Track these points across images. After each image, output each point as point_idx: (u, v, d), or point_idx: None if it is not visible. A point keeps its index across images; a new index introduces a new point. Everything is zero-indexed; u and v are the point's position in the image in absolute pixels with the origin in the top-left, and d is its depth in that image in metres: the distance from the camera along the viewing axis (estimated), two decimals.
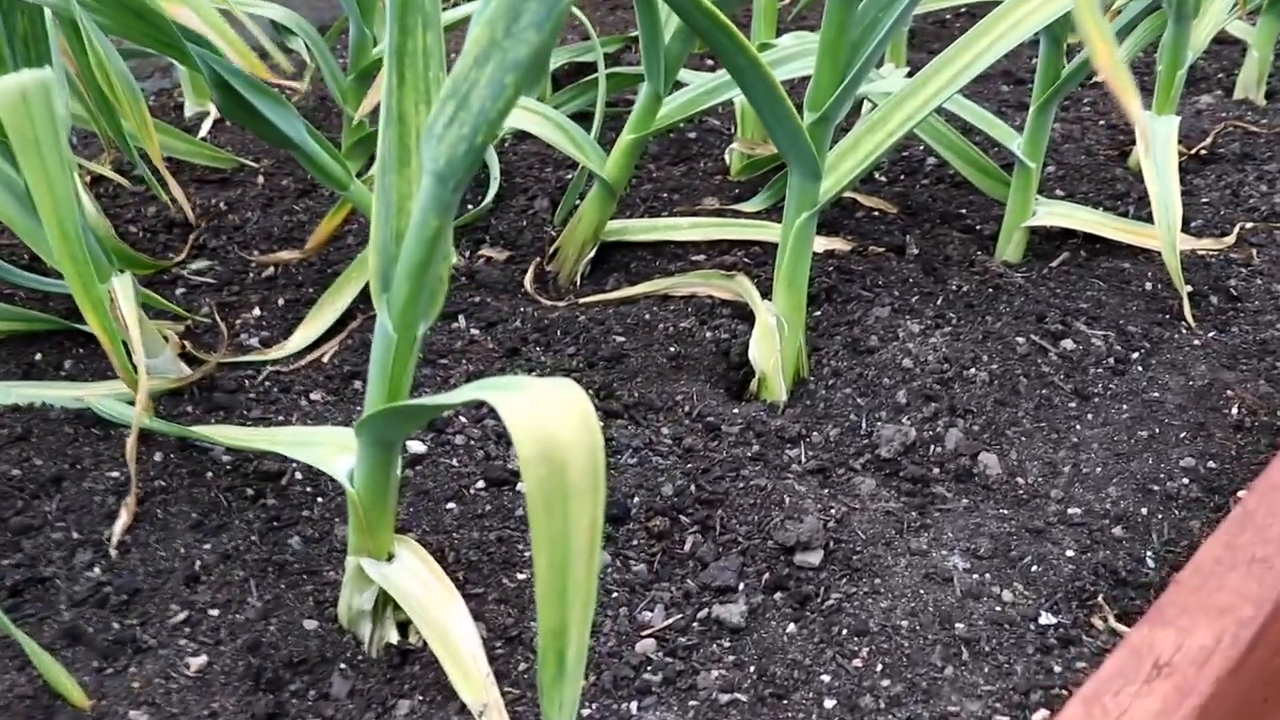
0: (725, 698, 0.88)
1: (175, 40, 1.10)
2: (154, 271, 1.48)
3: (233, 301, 1.41)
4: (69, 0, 1.07)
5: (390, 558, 0.89)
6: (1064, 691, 0.88)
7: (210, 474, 1.11)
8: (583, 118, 1.61)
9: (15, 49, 1.11)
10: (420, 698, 0.88)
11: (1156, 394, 1.23)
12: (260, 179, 1.72)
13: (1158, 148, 1.38)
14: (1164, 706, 0.66)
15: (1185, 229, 1.52)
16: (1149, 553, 1.03)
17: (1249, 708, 0.78)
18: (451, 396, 0.67)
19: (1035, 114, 1.39)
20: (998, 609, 0.96)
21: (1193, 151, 1.73)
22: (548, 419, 0.59)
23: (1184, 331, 1.34)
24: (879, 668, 0.91)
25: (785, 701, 0.88)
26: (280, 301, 1.41)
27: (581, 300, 1.38)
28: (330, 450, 0.91)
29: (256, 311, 1.39)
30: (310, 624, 0.95)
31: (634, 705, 0.88)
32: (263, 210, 1.62)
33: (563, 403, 0.60)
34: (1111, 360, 1.28)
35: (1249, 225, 1.55)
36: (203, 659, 0.92)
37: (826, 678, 0.90)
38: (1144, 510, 1.08)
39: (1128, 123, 1.84)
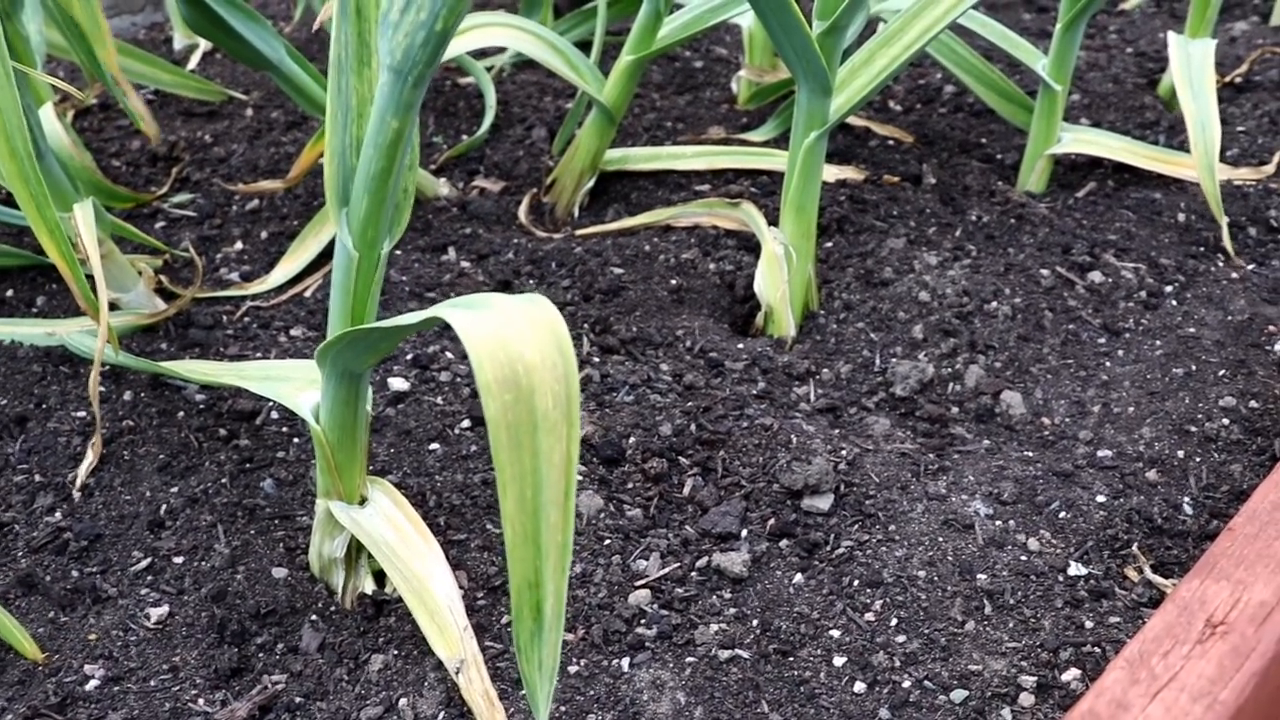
0: (725, 654, 0.81)
1: None
2: (134, 205, 1.41)
3: (214, 235, 1.35)
4: None
5: (363, 501, 0.82)
6: (1097, 649, 0.81)
7: (182, 414, 1.05)
8: (585, 48, 1.53)
9: None
10: (395, 652, 0.82)
11: (1192, 329, 1.15)
12: (249, 111, 1.65)
13: (1194, 69, 1.30)
14: (1220, 670, 0.59)
15: (1221, 158, 1.43)
16: (1186, 499, 0.95)
17: None
18: (412, 318, 0.59)
19: (1062, 32, 1.30)
20: (1023, 559, 0.89)
21: (1227, 79, 1.64)
22: (513, 339, 0.51)
23: (1221, 264, 1.26)
24: (893, 622, 0.84)
25: (791, 658, 0.81)
26: (263, 235, 1.34)
27: (579, 232, 1.30)
28: (296, 385, 0.84)
29: (238, 245, 1.32)
30: (280, 572, 0.88)
31: (626, 661, 0.81)
32: (249, 142, 1.55)
33: (531, 321, 0.52)
34: (1143, 294, 1.20)
35: None
36: (164, 609, 0.86)
37: (836, 632, 0.83)
38: (1180, 453, 1.00)
39: (1156, 50, 1.75)
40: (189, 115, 1.65)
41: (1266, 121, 1.53)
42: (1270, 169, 1.40)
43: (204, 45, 1.89)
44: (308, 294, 1.22)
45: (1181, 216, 1.33)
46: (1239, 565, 0.67)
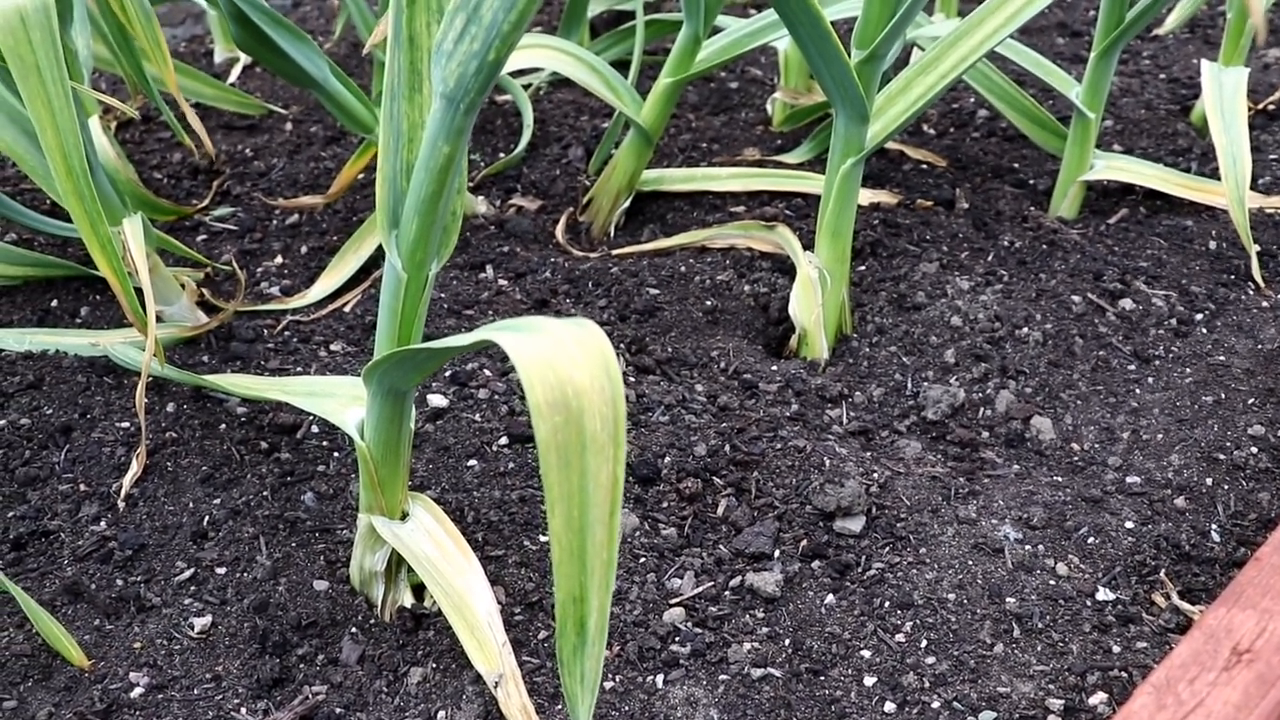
0: (758, 672, 0.82)
1: None
2: (176, 218, 1.43)
3: (254, 249, 1.37)
4: None
5: (404, 516, 0.84)
6: (1124, 673, 0.82)
7: (224, 426, 1.07)
8: (620, 67, 1.55)
9: None
10: (433, 665, 0.83)
11: (1222, 357, 1.16)
12: (289, 125, 1.67)
13: (1226, 98, 1.31)
14: (1245, 698, 0.60)
15: (1253, 186, 1.44)
16: (1214, 526, 0.96)
17: None
18: (462, 339, 0.61)
19: (1096, 60, 1.31)
20: (1052, 583, 0.90)
21: (1260, 106, 1.65)
22: (563, 362, 0.53)
23: (1251, 293, 1.26)
24: (923, 643, 0.85)
25: (822, 677, 0.82)
26: (303, 249, 1.36)
27: (615, 251, 1.32)
28: (341, 401, 0.85)
29: (278, 259, 1.34)
30: (321, 584, 0.90)
31: (660, 678, 0.82)
32: (289, 157, 1.57)
33: (580, 345, 0.54)
34: (1173, 321, 1.21)
35: None
36: (207, 619, 0.88)
37: (867, 653, 0.84)
38: (1209, 480, 1.01)
39: (1189, 77, 1.76)
40: (229, 129, 1.68)
41: None
42: None
43: (244, 59, 1.92)
44: (347, 309, 1.25)
45: (1213, 244, 1.34)
46: (1265, 594, 0.68)
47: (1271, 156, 1.53)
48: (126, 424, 1.07)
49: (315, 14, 2.12)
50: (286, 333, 1.21)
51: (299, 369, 1.15)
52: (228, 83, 1.75)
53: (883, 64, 1.05)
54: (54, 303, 1.27)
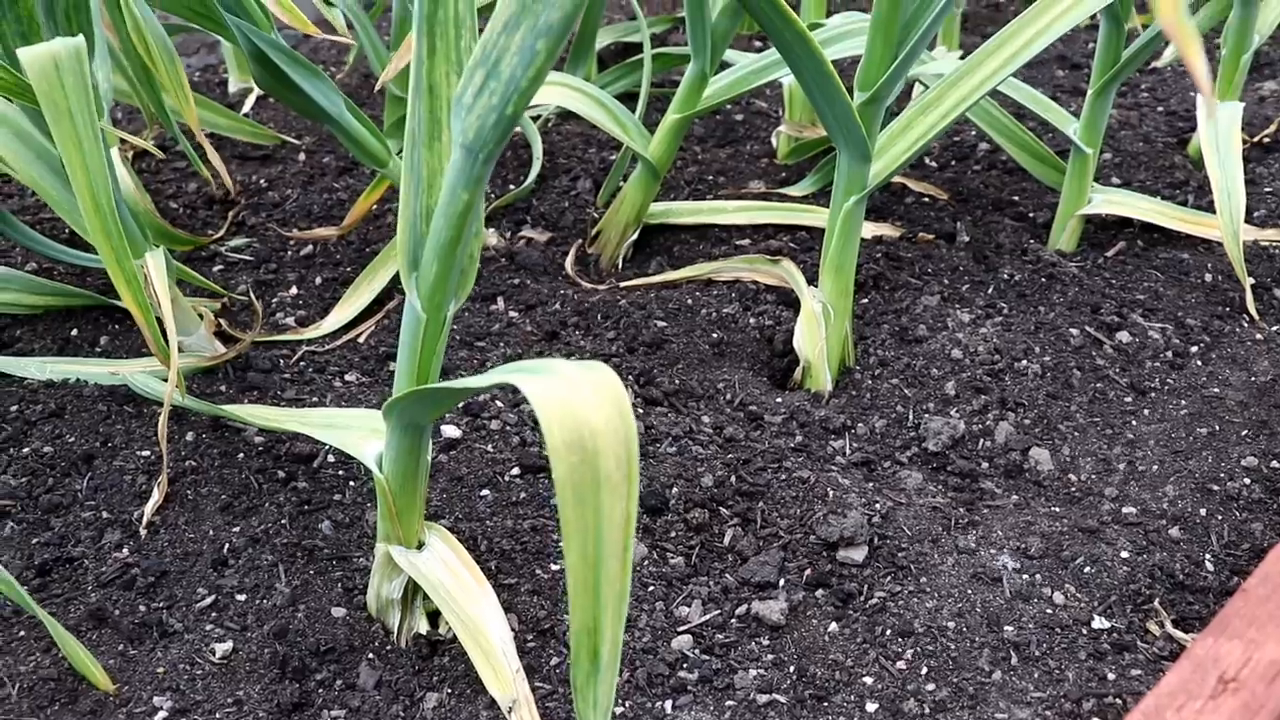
0: (763, 698, 0.85)
1: (212, 11, 1.08)
2: (192, 248, 1.46)
3: (270, 279, 1.40)
4: None
5: (420, 546, 0.87)
6: (1118, 700, 0.84)
7: (242, 455, 1.09)
8: (628, 99, 1.58)
9: (56, 20, 1.09)
10: (449, 690, 0.86)
11: (1217, 390, 1.18)
12: (301, 156, 1.70)
13: (1221, 133, 1.33)
14: None
15: (1248, 219, 1.47)
16: (1208, 556, 0.99)
17: None
18: (480, 380, 0.64)
19: (1094, 98, 1.34)
20: (1049, 612, 0.92)
21: (1255, 139, 1.68)
22: (579, 405, 0.56)
23: (1245, 325, 1.29)
24: (924, 671, 0.87)
25: (826, 704, 0.85)
26: (318, 280, 1.39)
27: (623, 284, 1.35)
28: (360, 434, 0.88)
29: (293, 290, 1.37)
30: (339, 611, 0.93)
31: (669, 704, 0.85)
32: (303, 188, 1.60)
33: (595, 388, 0.57)
34: (1169, 354, 1.24)
35: None
36: (228, 645, 0.90)
37: (869, 680, 0.87)
38: (1203, 511, 1.03)
39: (1187, 110, 1.79)
40: (243, 159, 1.71)
41: None
42: None
43: (256, 90, 1.95)
44: (362, 340, 1.27)
45: (1208, 277, 1.37)
46: (1251, 625, 0.71)
47: (1266, 189, 1.56)
48: (147, 452, 1.10)
49: (327, 45, 2.16)
50: (302, 363, 1.24)
51: (315, 399, 1.18)
52: (241, 113, 1.78)
53: (885, 104, 1.08)
54: (74, 331, 1.29)
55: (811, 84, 1.02)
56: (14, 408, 1.15)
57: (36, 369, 1.21)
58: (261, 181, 1.63)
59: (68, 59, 0.91)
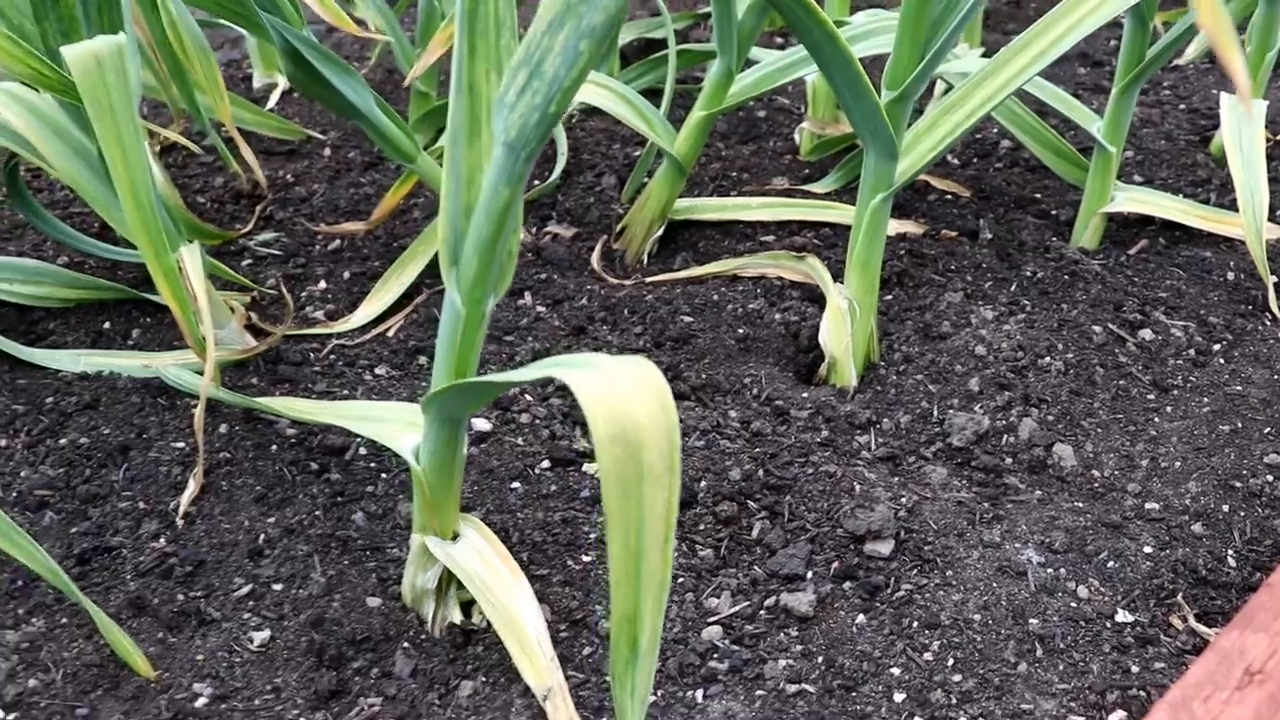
0: (792, 688, 0.86)
1: (247, 9, 1.10)
2: (221, 242, 1.48)
3: (298, 273, 1.41)
4: None
5: (455, 537, 0.88)
6: (1142, 693, 0.86)
7: (275, 447, 1.11)
8: (651, 94, 1.59)
9: (89, 15, 1.11)
10: (483, 679, 0.87)
11: (1239, 387, 1.19)
12: (327, 151, 1.72)
13: (1244, 132, 1.34)
14: (1256, 715, 0.64)
15: (1271, 217, 1.47)
16: (1230, 551, 1.00)
17: None
18: (523, 373, 0.65)
19: (1117, 96, 1.35)
20: (1073, 605, 0.94)
21: (1278, 137, 1.69)
22: (624, 399, 0.57)
23: (1268, 323, 1.30)
24: (950, 662, 0.89)
25: (854, 694, 0.86)
26: (346, 274, 1.40)
27: (649, 279, 1.37)
28: (396, 426, 0.90)
29: (322, 284, 1.39)
30: (373, 601, 0.94)
31: (700, 693, 0.86)
32: (329, 182, 1.62)
33: (639, 382, 0.58)
34: (1192, 351, 1.25)
35: None
36: (266, 633, 0.92)
37: (896, 670, 0.88)
38: (1225, 507, 1.04)
39: (1209, 107, 1.79)
40: (269, 153, 1.72)
41: None
42: None
43: (281, 84, 1.96)
44: (390, 334, 1.29)
45: (1231, 275, 1.38)
46: (1276, 618, 0.72)
47: None
48: (181, 444, 1.11)
49: (349, 40, 2.17)
50: (332, 356, 1.25)
51: (345, 392, 1.19)
52: (266, 108, 1.80)
53: (911, 103, 1.09)
54: (106, 324, 1.31)
55: (840, 83, 1.04)
56: (49, 399, 1.17)
57: (70, 361, 1.23)
58: (288, 176, 1.64)
59: (110, 57, 0.93)
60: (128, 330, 1.31)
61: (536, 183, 1.58)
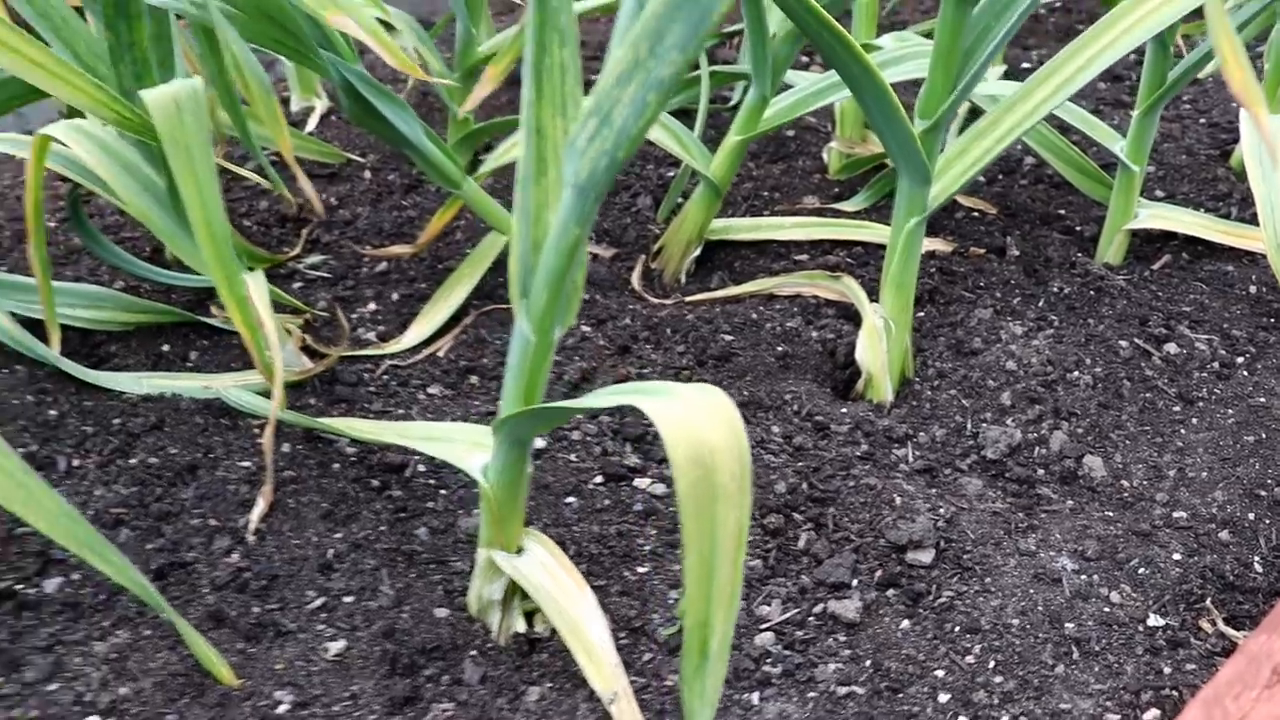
0: (842, 690, 0.91)
1: (309, 48, 1.15)
2: (270, 265, 1.53)
3: (348, 295, 1.46)
4: (209, 9, 1.12)
5: (519, 550, 0.93)
6: (1174, 692, 0.90)
7: (336, 465, 1.16)
8: (680, 114, 1.64)
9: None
10: (549, 685, 0.92)
11: (1263, 399, 1.24)
12: (366, 174, 1.77)
13: (1264, 149, 1.38)
14: None
15: None
16: (1257, 558, 1.04)
17: None
18: (598, 400, 0.70)
19: (1140, 117, 1.40)
20: (1106, 610, 0.98)
21: None
22: (699, 425, 0.62)
23: None
24: (991, 664, 0.93)
25: (900, 695, 0.91)
26: (394, 296, 1.45)
27: (688, 298, 1.42)
28: (464, 446, 0.95)
29: (371, 306, 1.44)
30: (441, 612, 0.99)
31: (755, 696, 0.91)
32: (372, 205, 1.67)
33: (712, 409, 0.63)
34: (1216, 364, 1.29)
35: None
36: (341, 644, 0.97)
37: (940, 673, 0.93)
38: (1251, 515, 1.09)
39: (1229, 121, 1.84)
40: (310, 177, 1.76)
41: None
42: None
43: (319, 108, 2.02)
44: (441, 354, 1.34)
45: (1253, 288, 1.43)
46: None
47: None
48: (247, 463, 1.16)
49: (382, 64, 2.22)
50: (385, 376, 1.30)
51: (400, 411, 1.24)
52: (305, 131, 1.85)
53: (944, 131, 1.14)
54: (165, 347, 1.36)
55: (876, 113, 1.08)
56: (116, 420, 1.22)
57: (133, 383, 1.27)
58: (331, 199, 1.69)
59: (187, 99, 0.98)
60: (185, 353, 1.36)
61: None
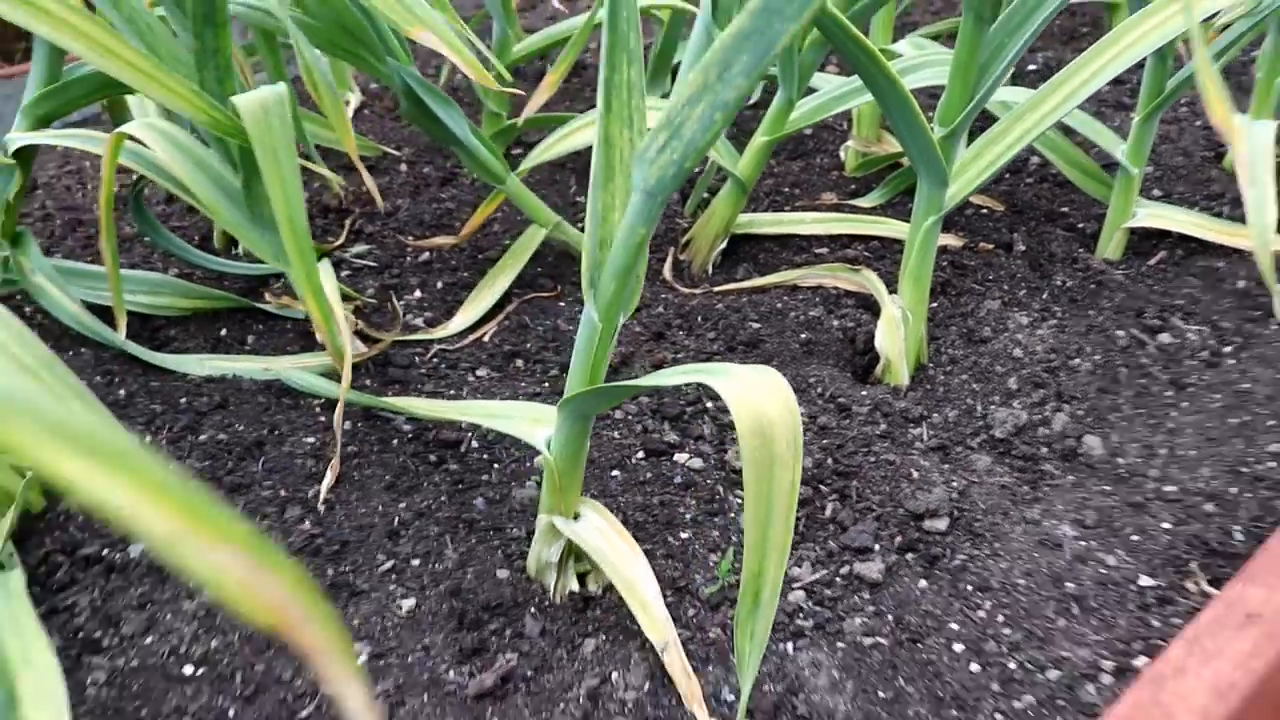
0: (868, 641, 1.01)
1: (377, 55, 1.25)
2: (319, 255, 1.62)
3: (394, 283, 1.56)
4: (283, 18, 1.22)
5: (576, 516, 1.03)
6: (1162, 642, 1.00)
7: (395, 441, 1.26)
8: None
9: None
10: (603, 637, 1.02)
11: (1247, 385, 1.34)
12: (403, 166, 1.86)
13: (1255, 151, 1.48)
14: (1254, 647, 0.79)
15: (1278, 230, 1.61)
16: (1237, 528, 1.14)
17: None
18: (665, 379, 0.80)
19: (1140, 124, 1.50)
20: (1103, 571, 1.08)
21: None
22: (759, 400, 0.72)
23: (1274, 328, 1.45)
24: (1000, 618, 1.04)
25: (920, 645, 1.01)
26: (439, 284, 1.55)
27: (716, 288, 1.51)
28: (526, 422, 1.05)
29: (417, 293, 1.54)
30: (502, 573, 1.09)
31: (790, 646, 1.01)
32: (411, 197, 1.76)
33: (769, 386, 0.73)
34: (1205, 353, 1.40)
35: None
36: (412, 601, 1.07)
37: (955, 626, 1.03)
38: (1233, 489, 1.19)
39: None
40: (349, 169, 1.86)
41: None
42: None
43: (354, 101, 2.11)
44: (486, 339, 1.44)
45: (1241, 283, 1.52)
46: (1272, 574, 0.87)
47: None
48: (311, 439, 1.26)
49: (418, 59, 2.31)
50: (435, 359, 1.40)
51: (451, 392, 1.34)
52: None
53: (961, 137, 1.24)
54: (223, 331, 1.45)
55: (899, 120, 1.18)
56: (183, 400, 1.32)
57: (196, 365, 1.36)
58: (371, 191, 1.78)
59: (274, 104, 1.08)
60: (243, 336, 1.45)
61: None
